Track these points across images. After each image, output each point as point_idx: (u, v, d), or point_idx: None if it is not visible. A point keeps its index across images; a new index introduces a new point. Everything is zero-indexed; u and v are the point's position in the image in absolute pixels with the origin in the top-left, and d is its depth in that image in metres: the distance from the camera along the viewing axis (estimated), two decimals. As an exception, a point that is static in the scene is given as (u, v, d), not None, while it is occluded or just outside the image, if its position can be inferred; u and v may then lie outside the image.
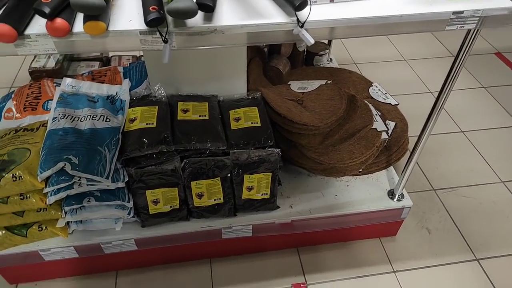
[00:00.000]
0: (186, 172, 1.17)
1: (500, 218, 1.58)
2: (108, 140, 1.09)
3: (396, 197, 1.37)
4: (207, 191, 1.22)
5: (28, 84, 1.37)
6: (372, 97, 1.69)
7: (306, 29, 0.78)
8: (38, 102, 1.28)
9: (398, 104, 1.63)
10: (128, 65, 1.40)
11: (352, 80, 1.77)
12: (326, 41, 1.98)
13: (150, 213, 1.21)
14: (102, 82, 1.30)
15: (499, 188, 1.69)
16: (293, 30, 0.79)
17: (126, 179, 1.12)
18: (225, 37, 0.78)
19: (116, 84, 1.28)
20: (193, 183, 1.20)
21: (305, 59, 1.98)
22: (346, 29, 0.81)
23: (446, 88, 1.07)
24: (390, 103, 1.67)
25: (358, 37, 0.85)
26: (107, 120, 1.13)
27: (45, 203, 1.09)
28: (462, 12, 0.82)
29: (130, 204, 1.15)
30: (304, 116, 1.31)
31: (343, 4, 0.84)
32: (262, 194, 1.27)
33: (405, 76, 2.28)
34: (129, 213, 1.17)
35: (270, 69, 1.69)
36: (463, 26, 0.84)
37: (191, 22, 0.75)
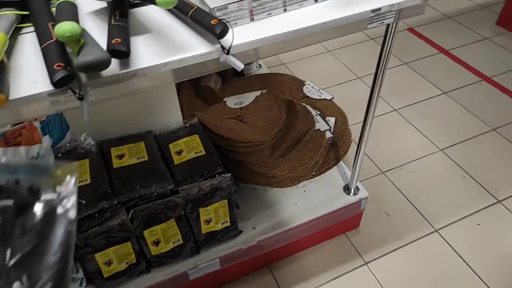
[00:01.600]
0: (135, 222, 1.07)
1: (447, 185, 1.67)
2: (38, 211, 0.95)
3: (352, 191, 1.38)
4: (163, 236, 1.13)
5: None
6: (307, 96, 1.70)
7: (233, 54, 0.74)
8: None
9: (333, 98, 1.65)
10: (45, 119, 1.25)
11: (285, 83, 1.76)
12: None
13: (105, 277, 1.09)
14: (19, 144, 1.15)
15: (440, 157, 1.78)
16: (219, 58, 0.74)
17: (70, 248, 0.99)
18: (149, 80, 0.70)
19: (35, 144, 1.14)
20: (146, 232, 1.10)
21: (234, 70, 1.94)
22: (273, 46, 0.78)
23: (379, 76, 1.09)
24: (325, 98, 1.69)
25: (287, 52, 0.82)
26: (33, 188, 1.00)
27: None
28: (379, 9, 0.82)
29: (80, 275, 1.03)
30: (247, 133, 1.27)
31: (264, 21, 0.80)
32: (222, 224, 1.21)
33: (333, 66, 2.33)
34: (81, 284, 1.04)
35: (201, 89, 1.63)
36: (383, 22, 0.85)
37: (106, 70, 0.67)
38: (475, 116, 1.96)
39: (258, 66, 2.00)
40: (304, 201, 1.37)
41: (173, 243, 1.16)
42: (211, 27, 0.69)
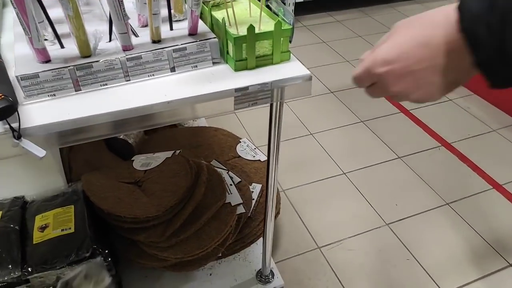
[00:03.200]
0: (-36, 319, 0.85)
1: (388, 267, 1.46)
2: None
3: (264, 278, 1.17)
4: (6, 334, 0.91)
5: None
6: (239, 156, 1.53)
7: (32, 138, 0.56)
8: None
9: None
10: None
11: (217, 139, 1.60)
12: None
13: None
14: None
15: (384, 232, 1.59)
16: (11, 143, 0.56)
17: None
18: None
19: None
20: (-20, 330, 0.88)
21: (167, 120, 1.78)
22: (96, 127, 0.61)
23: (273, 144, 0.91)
24: (259, 160, 1.53)
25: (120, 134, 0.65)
26: None
27: None
28: (247, 88, 0.66)
29: None
30: (137, 206, 1.08)
31: (94, 94, 0.63)
32: (90, 318, 0.99)
33: (285, 119, 2.18)
34: None
35: (115, 142, 1.45)
36: (256, 103, 0.69)
37: None
38: (429, 187, 1.79)
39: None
40: (207, 288, 1.16)
41: None
42: (-12, 104, 0.52)
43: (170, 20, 0.71)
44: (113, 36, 0.70)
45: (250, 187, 1.38)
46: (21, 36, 0.69)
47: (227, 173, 1.33)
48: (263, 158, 1.52)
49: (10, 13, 0.85)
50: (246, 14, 0.74)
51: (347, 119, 2.19)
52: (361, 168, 1.89)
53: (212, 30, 0.73)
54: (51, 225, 0.98)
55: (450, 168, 1.89)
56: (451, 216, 1.66)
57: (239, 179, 1.33)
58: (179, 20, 0.75)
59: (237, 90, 0.65)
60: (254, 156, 1.54)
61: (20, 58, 0.63)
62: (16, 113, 0.53)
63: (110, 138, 1.44)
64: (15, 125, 0.55)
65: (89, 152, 1.30)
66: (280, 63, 0.71)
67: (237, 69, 0.69)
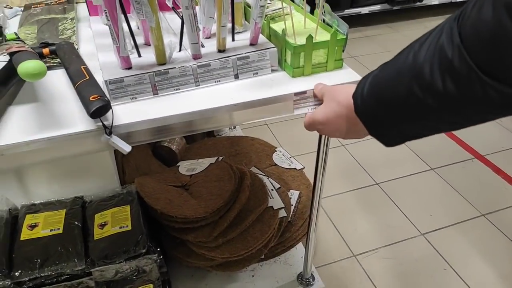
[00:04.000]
0: (34, 307, 0.93)
1: (425, 277, 1.47)
2: None
3: (305, 281, 1.21)
4: (69, 323, 0.97)
5: None
6: (276, 164, 1.58)
7: (119, 135, 0.63)
8: None
9: (303, 168, 1.53)
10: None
11: (254, 148, 1.66)
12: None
13: None
14: None
15: (420, 242, 1.60)
16: (101, 138, 0.63)
17: None
18: (7, 159, 0.60)
19: None
20: (47, 318, 0.95)
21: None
22: (172, 127, 0.68)
23: (322, 155, 0.96)
24: (295, 168, 1.57)
25: (192, 133, 0.72)
26: None
27: None
28: (305, 92, 0.72)
29: None
30: (187, 207, 1.14)
31: (169, 97, 0.71)
32: (144, 312, 1.05)
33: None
34: None
35: (161, 149, 1.53)
36: (314, 108, 0.74)
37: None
38: (463, 198, 1.79)
39: (232, 127, 1.91)
40: (250, 289, 1.21)
41: (81, 333, 1.00)
42: (87, 103, 0.60)
43: (233, 32, 0.78)
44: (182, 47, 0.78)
45: (288, 193, 1.42)
46: (102, 46, 0.78)
47: (268, 179, 1.38)
48: (299, 166, 1.57)
49: (85, 28, 0.95)
50: (301, 26, 0.80)
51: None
52: (394, 179, 1.90)
53: (270, 40, 0.80)
54: (109, 223, 1.05)
55: (484, 180, 1.88)
56: (487, 227, 1.65)
57: (279, 185, 1.38)
58: (239, 32, 0.82)
59: (296, 93, 0.71)
60: (290, 165, 1.58)
61: (105, 65, 0.71)
62: (111, 111, 0.61)
63: (156, 146, 1.53)
64: (106, 122, 0.62)
65: (139, 158, 1.38)
66: (334, 70, 0.77)
67: (294, 76, 0.75)
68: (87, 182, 1.14)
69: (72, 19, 0.95)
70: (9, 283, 0.90)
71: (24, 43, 0.74)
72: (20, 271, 0.91)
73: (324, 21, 0.79)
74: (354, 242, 1.61)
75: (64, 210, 1.06)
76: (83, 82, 0.65)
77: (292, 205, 1.39)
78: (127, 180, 1.25)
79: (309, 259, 1.18)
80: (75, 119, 0.65)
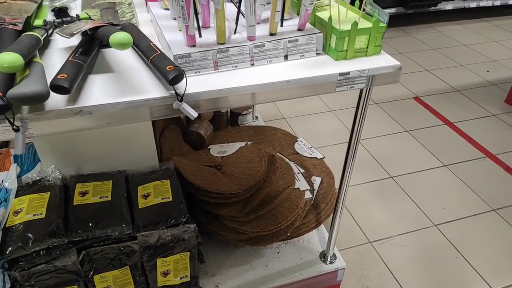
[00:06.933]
0: (86, 265, 1.01)
1: (437, 264, 1.54)
2: (-18, 241, 0.92)
3: (329, 259, 1.29)
4: (115, 284, 1.06)
5: None
6: (297, 153, 1.66)
7: (187, 102, 0.72)
8: None
9: (324, 158, 1.61)
10: (22, 146, 1.25)
11: (277, 137, 1.74)
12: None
13: (43, 321, 1.01)
14: (-12, 169, 1.14)
15: (433, 232, 1.67)
16: (173, 104, 0.72)
17: (8, 285, 0.94)
18: (95, 118, 0.69)
19: (4, 171, 1.13)
20: (96, 278, 1.04)
21: (229, 119, 1.95)
22: (232, 98, 0.76)
23: (355, 139, 1.04)
24: (316, 157, 1.65)
25: (245, 105, 0.80)
26: (-16, 216, 0.97)
27: None
28: (348, 73, 0.80)
29: (15, 314, 0.96)
30: (221, 183, 1.23)
31: (228, 73, 0.79)
32: (181, 278, 1.13)
33: (333, 126, 2.32)
34: (14, 325, 0.97)
35: (190, 134, 1.62)
36: (353, 87, 0.83)
37: (51, 104, 0.66)
38: (475, 194, 1.86)
39: (255, 117, 2.00)
40: (275, 264, 1.29)
41: (124, 293, 1.08)
42: (165, 72, 0.68)
43: (282, 18, 0.87)
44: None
45: (311, 179, 1.51)
46: (166, 27, 0.87)
47: (293, 163, 1.46)
48: (319, 156, 1.65)
49: (140, 13, 1.04)
50: (343, 16, 0.89)
51: (392, 128, 2.29)
52: (408, 173, 1.98)
53: (314, 27, 0.89)
54: (152, 194, 1.14)
55: (495, 178, 1.96)
56: (498, 221, 1.73)
57: (303, 170, 1.46)
58: (286, 19, 0.91)
59: (340, 74, 0.80)
60: (310, 154, 1.66)
61: (173, 43, 0.79)
62: (185, 79, 0.69)
63: (186, 132, 1.61)
64: (178, 91, 0.70)
65: (172, 141, 1.46)
66: (373, 55, 0.86)
67: (338, 59, 0.83)
68: (128, 158, 1.22)
69: (129, 4, 1.04)
70: (66, 241, 0.98)
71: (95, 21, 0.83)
72: (74, 231, 1.00)
73: (364, 11, 0.87)
74: (370, 230, 1.69)
75: (111, 180, 1.15)
76: (156, 56, 0.74)
77: (314, 189, 1.47)
78: (164, 159, 1.34)
79: (332, 238, 1.26)
80: (149, 87, 0.73)
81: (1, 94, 0.60)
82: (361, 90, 0.90)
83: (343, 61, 0.84)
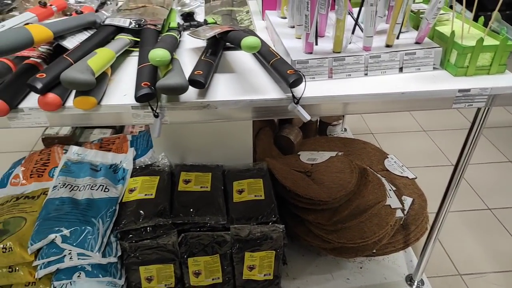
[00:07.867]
0: (183, 247, 1.10)
1: (540, 312, 1.38)
2: (103, 211, 1.05)
3: (415, 284, 1.23)
4: (205, 269, 1.14)
5: (39, 151, 1.39)
6: (387, 170, 1.62)
7: (302, 105, 0.76)
8: (45, 169, 1.29)
9: (416, 178, 1.54)
10: (137, 133, 1.41)
11: (366, 151, 1.71)
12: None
13: (142, 291, 1.12)
14: (109, 150, 1.30)
15: (536, 276, 1.50)
16: (288, 106, 0.76)
17: (119, 253, 1.06)
18: (218, 112, 0.76)
19: (122, 153, 1.28)
20: (190, 260, 1.12)
21: (318, 129, 1.96)
22: (343, 105, 0.78)
23: (462, 164, 0.99)
24: (407, 177, 1.59)
25: (357, 114, 0.82)
26: (106, 190, 1.11)
27: (34, 277, 1.04)
28: (468, 90, 0.78)
29: (121, 281, 1.08)
30: (311, 189, 1.25)
31: (342, 81, 0.82)
32: (264, 275, 1.17)
33: (425, 147, 2.20)
34: (119, 291, 1.09)
35: (281, 139, 1.67)
36: (472, 105, 0.80)
37: (184, 97, 0.75)
38: None
39: (343, 129, 1.99)
40: (357, 279, 1.27)
41: (213, 279, 1.15)
42: (286, 75, 0.73)
43: (400, 30, 0.87)
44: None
45: (401, 198, 1.45)
46: (284, 34, 0.92)
47: (384, 180, 1.43)
48: (411, 176, 1.58)
49: (256, 21, 1.12)
50: (465, 31, 0.86)
51: (493, 157, 2.11)
52: (508, 207, 1.81)
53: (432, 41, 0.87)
54: (246, 190, 1.20)
55: None
56: None
57: (394, 188, 1.42)
58: (402, 32, 0.90)
59: (460, 90, 0.77)
60: (401, 173, 1.60)
61: (291, 49, 0.84)
62: (304, 83, 0.73)
63: (278, 136, 1.67)
64: (295, 94, 0.75)
65: (266, 143, 1.53)
66: (496, 74, 0.82)
67: (457, 75, 0.81)
68: (227, 154, 1.30)
69: (247, 11, 1.12)
70: (170, 222, 1.08)
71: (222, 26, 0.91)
72: (177, 215, 1.10)
73: (490, 28, 0.84)
74: (461, 262, 1.57)
75: (210, 173, 1.24)
76: (276, 60, 0.79)
77: (404, 210, 1.42)
78: (257, 159, 1.40)
79: (422, 264, 1.20)
80: (268, 88, 0.78)
81: (149, 84, 0.69)
82: (478, 110, 0.86)
83: (462, 77, 0.81)
